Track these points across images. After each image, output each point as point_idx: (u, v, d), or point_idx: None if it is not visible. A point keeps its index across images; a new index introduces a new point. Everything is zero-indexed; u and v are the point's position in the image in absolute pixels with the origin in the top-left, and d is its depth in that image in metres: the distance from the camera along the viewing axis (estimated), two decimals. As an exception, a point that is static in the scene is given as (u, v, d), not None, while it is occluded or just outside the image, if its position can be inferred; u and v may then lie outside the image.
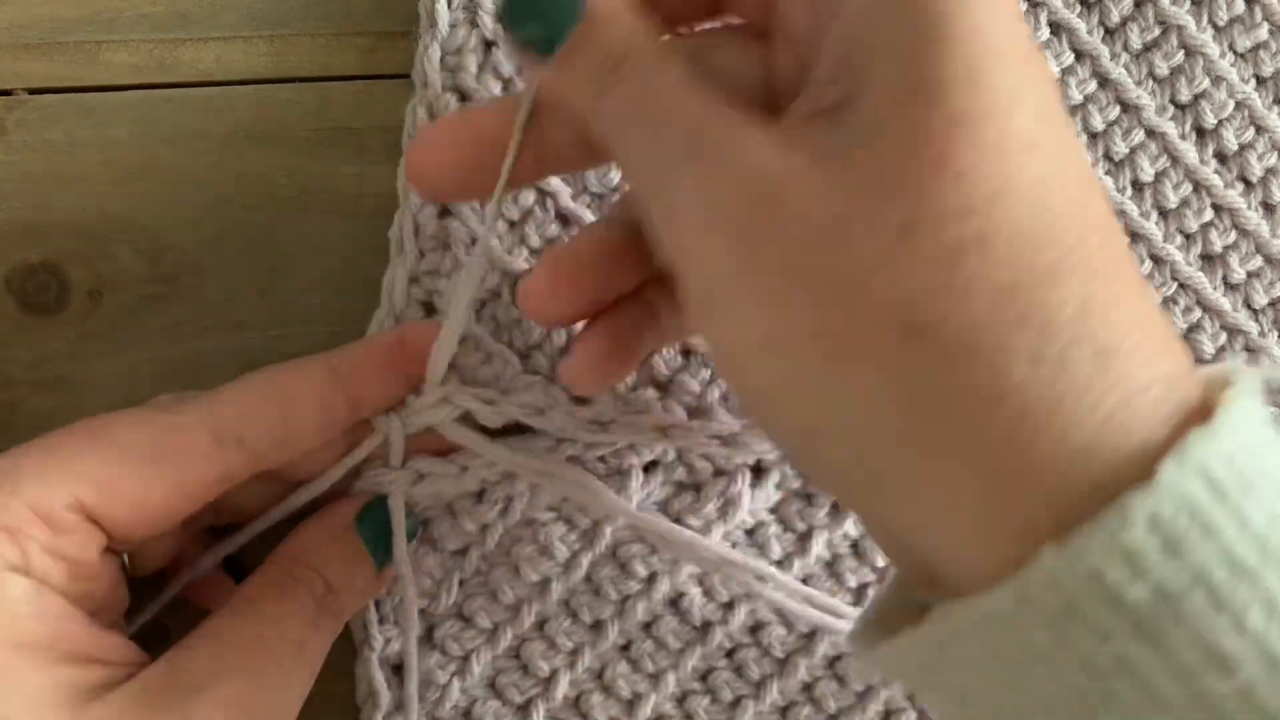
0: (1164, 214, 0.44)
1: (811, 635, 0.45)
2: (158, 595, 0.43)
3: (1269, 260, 0.44)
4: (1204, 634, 0.25)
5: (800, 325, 0.28)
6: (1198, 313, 0.44)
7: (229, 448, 0.38)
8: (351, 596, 0.41)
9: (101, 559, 0.38)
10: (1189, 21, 0.44)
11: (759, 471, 0.44)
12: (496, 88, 0.44)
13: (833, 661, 0.45)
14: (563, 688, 0.45)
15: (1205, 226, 0.44)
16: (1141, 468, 0.25)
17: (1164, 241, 0.44)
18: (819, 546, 0.44)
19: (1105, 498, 0.25)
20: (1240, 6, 0.44)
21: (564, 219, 0.44)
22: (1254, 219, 0.44)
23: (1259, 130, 0.44)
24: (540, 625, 0.45)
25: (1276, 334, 0.44)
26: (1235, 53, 0.45)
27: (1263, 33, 0.44)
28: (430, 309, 0.43)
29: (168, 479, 0.37)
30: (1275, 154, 0.44)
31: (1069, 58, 0.44)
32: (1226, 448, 0.25)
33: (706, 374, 0.43)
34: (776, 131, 0.30)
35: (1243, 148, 0.44)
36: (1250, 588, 0.25)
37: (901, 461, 0.28)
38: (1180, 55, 0.44)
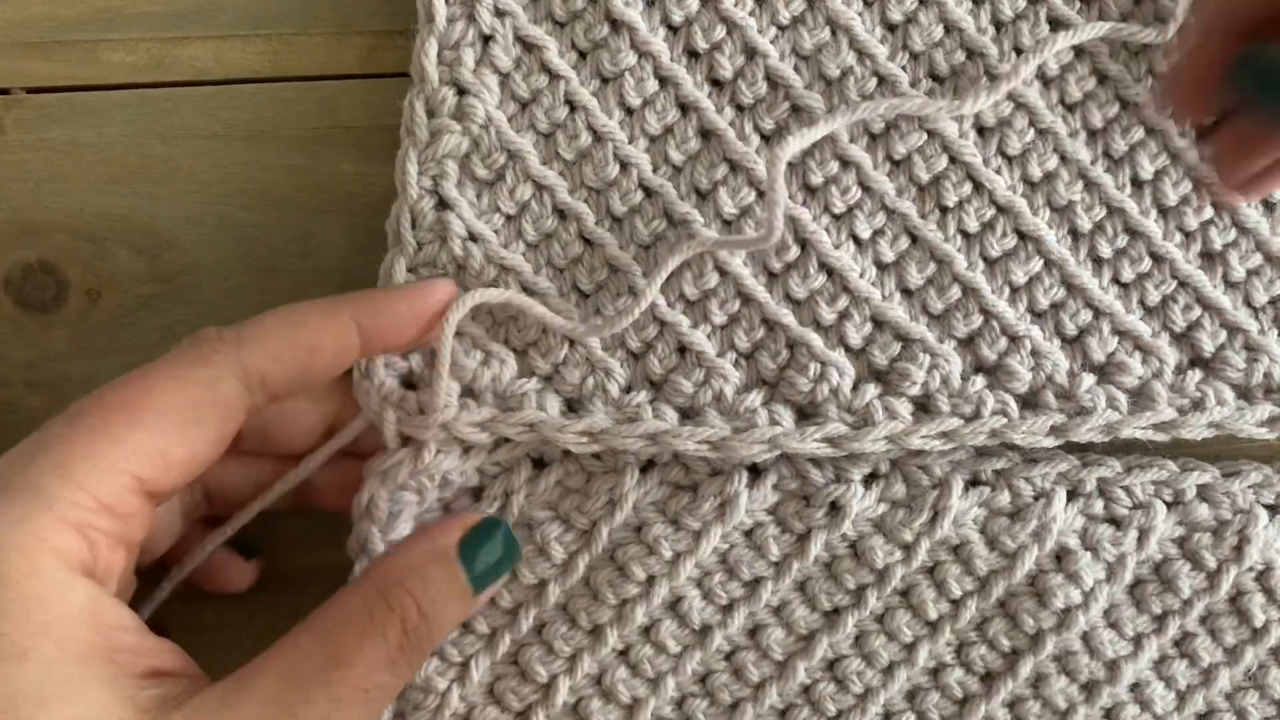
0: (1164, 212, 0.44)
1: (810, 637, 0.44)
2: (160, 587, 0.43)
3: (1269, 258, 0.44)
4: None
5: None
6: (1197, 310, 0.44)
7: (255, 392, 0.38)
8: (440, 627, 0.39)
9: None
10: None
11: (756, 472, 0.44)
12: (493, 81, 0.44)
13: (832, 664, 0.45)
14: (562, 694, 0.44)
15: (1205, 224, 0.44)
16: None
17: (1163, 239, 0.44)
18: (817, 547, 0.44)
19: None
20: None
21: (561, 213, 0.44)
22: (1253, 217, 0.44)
23: (1259, 127, 0.44)
24: (539, 630, 0.44)
25: (1276, 332, 0.44)
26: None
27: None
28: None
29: (210, 435, 0.37)
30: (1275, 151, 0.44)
31: (1069, 54, 0.44)
32: None
33: (700, 374, 0.43)
34: None
35: (1243, 145, 0.44)
36: None
37: None
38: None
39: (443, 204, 0.43)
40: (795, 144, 0.42)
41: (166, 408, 0.37)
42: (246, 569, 0.45)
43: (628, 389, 0.43)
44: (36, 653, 0.34)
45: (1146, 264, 0.44)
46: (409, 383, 0.43)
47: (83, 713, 0.34)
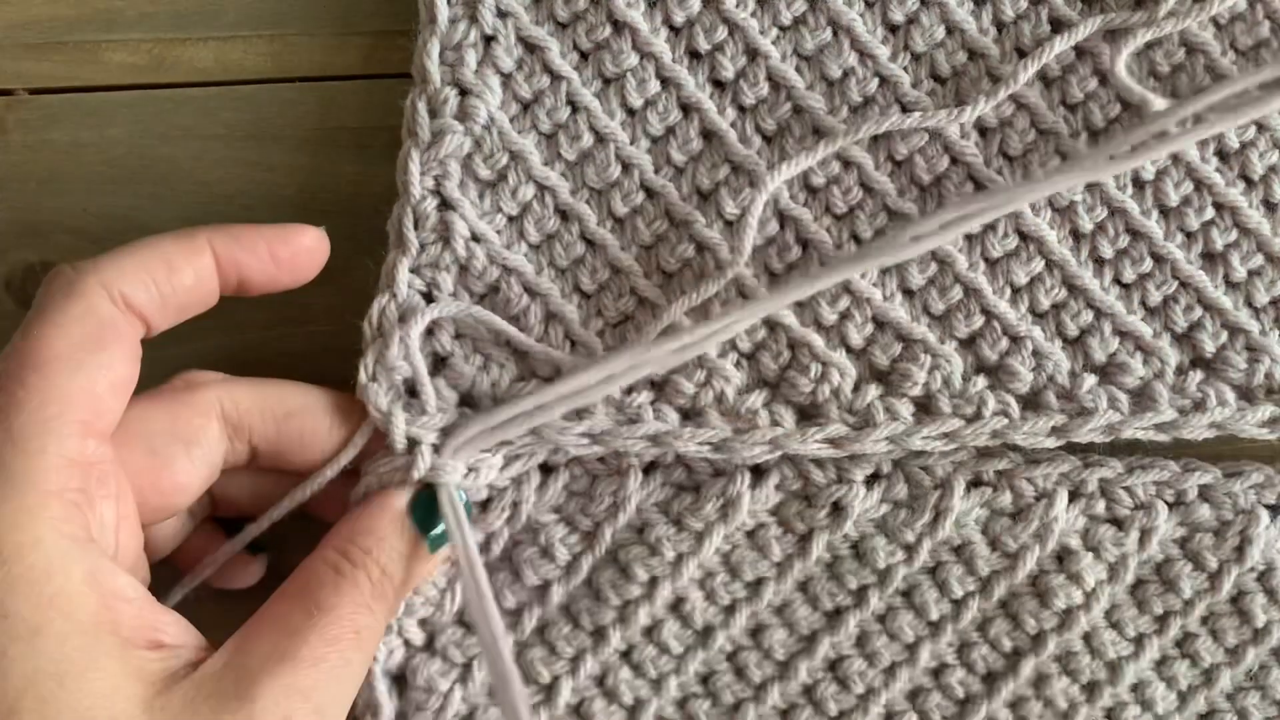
0: (1165, 212, 0.44)
1: (812, 637, 0.45)
2: (171, 585, 0.43)
3: (1270, 259, 0.44)
4: None
5: None
6: (1198, 311, 0.44)
7: (127, 313, 0.39)
8: (403, 581, 0.41)
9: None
10: (1191, 20, 0.44)
11: (758, 472, 0.44)
12: (495, 82, 0.44)
13: (834, 664, 0.45)
14: (564, 695, 0.44)
15: (1206, 225, 0.44)
16: None
17: (1165, 240, 0.44)
18: (819, 548, 0.44)
19: None
20: (1242, 4, 0.44)
21: (563, 214, 0.44)
22: (1255, 217, 0.44)
23: (1260, 128, 0.44)
24: (541, 631, 0.44)
25: (1277, 333, 0.44)
26: (1237, 51, 0.44)
27: (1264, 30, 0.44)
28: (430, 300, 0.43)
29: (120, 355, 0.38)
30: (1276, 152, 0.44)
31: (1070, 56, 0.44)
32: None
33: (702, 375, 0.43)
34: None
35: (1244, 146, 0.44)
36: None
37: None
38: (1181, 53, 0.44)
39: (445, 204, 0.43)
40: (784, 173, 0.42)
41: (65, 349, 0.37)
42: (254, 565, 0.45)
43: (629, 390, 0.43)
44: (49, 628, 0.34)
45: (1148, 264, 0.44)
46: (414, 389, 0.43)
47: (98, 686, 0.34)
